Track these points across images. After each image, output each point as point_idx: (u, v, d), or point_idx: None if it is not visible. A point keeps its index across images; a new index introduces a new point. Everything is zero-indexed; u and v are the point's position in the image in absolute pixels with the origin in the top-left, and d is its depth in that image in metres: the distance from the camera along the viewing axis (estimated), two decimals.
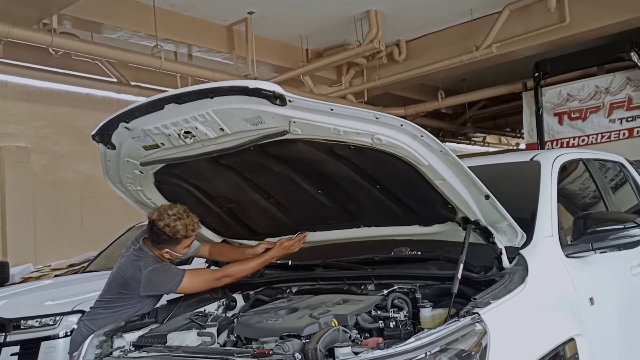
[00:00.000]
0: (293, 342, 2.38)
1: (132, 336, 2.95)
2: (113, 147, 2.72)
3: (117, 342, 2.87)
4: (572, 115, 9.91)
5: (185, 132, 2.47)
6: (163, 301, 3.32)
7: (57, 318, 4.75)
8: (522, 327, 2.34)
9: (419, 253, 3.06)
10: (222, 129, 2.40)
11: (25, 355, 4.64)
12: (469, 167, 3.71)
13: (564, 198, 3.63)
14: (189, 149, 2.58)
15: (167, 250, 3.13)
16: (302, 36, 10.13)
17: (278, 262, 3.61)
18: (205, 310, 3.28)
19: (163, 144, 2.59)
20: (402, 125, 2.21)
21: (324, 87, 11.56)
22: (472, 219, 2.64)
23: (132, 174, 2.91)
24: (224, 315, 3.28)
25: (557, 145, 9.93)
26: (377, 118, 2.21)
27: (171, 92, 2.34)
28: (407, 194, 2.68)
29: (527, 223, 2.97)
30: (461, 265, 2.53)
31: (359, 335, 2.56)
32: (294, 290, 3.27)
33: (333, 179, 2.72)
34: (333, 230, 3.17)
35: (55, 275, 7.82)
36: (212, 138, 2.47)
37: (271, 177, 2.83)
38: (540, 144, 9.98)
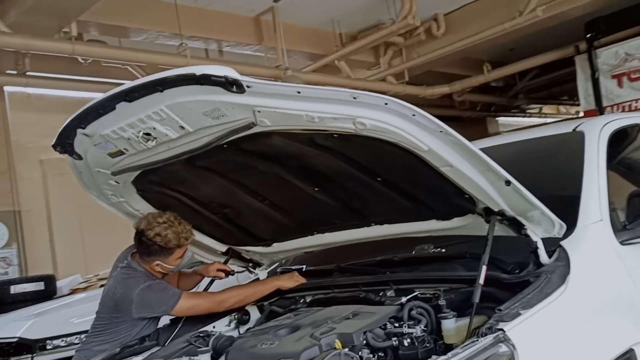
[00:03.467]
0: None
1: None
2: (79, 157, 2.43)
3: None
4: (632, 76, 9.07)
5: (144, 134, 2.14)
6: (166, 320, 3.02)
7: (83, 336, 4.55)
8: (564, 342, 1.88)
9: (443, 251, 2.64)
10: (182, 127, 2.07)
11: None
12: (501, 145, 3.34)
13: (620, 173, 3.11)
14: (154, 152, 2.26)
15: (157, 262, 2.83)
16: (334, 20, 9.70)
17: (293, 267, 3.28)
18: (214, 327, 2.97)
19: (126, 149, 2.27)
20: (386, 104, 1.79)
21: (363, 71, 11.09)
22: (496, 210, 2.19)
23: (109, 185, 2.62)
24: (235, 332, 2.97)
25: (618, 110, 9.13)
26: (355, 98, 1.80)
27: (119, 88, 2.01)
28: (413, 185, 2.26)
29: (570, 207, 2.49)
30: (484, 268, 2.09)
31: (371, 356, 2.17)
32: (307, 300, 2.92)
33: (326, 175, 2.32)
34: (342, 230, 2.78)
35: (101, 286, 7.73)
36: (174, 139, 2.14)
37: (258, 177, 2.47)
38: (600, 110, 9.21)
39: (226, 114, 1.95)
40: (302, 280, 2.94)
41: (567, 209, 2.46)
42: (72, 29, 7.23)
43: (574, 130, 3.02)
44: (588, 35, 9.22)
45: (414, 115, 1.81)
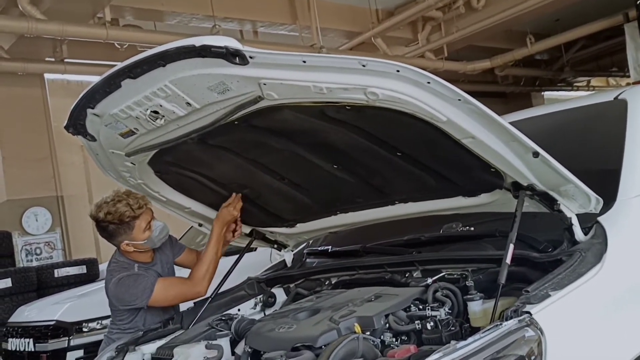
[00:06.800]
0: (303, 357, 1.92)
1: (151, 347, 2.63)
2: (93, 139, 2.37)
3: (129, 358, 2.55)
4: None
5: (152, 112, 2.07)
6: (190, 302, 2.98)
7: None
8: (597, 327, 1.73)
9: (472, 229, 2.50)
10: (188, 104, 1.98)
11: (89, 358, 4.52)
12: (537, 116, 3.15)
13: None
14: (164, 131, 2.18)
15: (126, 242, 2.77)
16: None
17: (319, 249, 3.19)
18: (238, 310, 2.92)
19: (137, 129, 2.20)
20: (398, 71, 1.66)
21: (401, 47, 10.84)
22: (525, 184, 2.04)
23: (126, 167, 2.56)
24: (260, 315, 2.91)
25: None
26: (364, 65, 1.67)
27: (122, 64, 1.93)
28: (435, 160, 2.12)
29: (610, 180, 2.32)
30: (511, 246, 1.94)
31: (394, 340, 2.07)
32: (333, 282, 2.82)
33: (343, 150, 2.21)
34: (366, 209, 2.66)
35: None
36: (182, 116, 2.06)
37: (274, 155, 2.37)
38: None
39: (231, 87, 1.86)
40: (237, 200, 2.78)
41: (606, 182, 2.29)
42: (105, 14, 7.27)
43: (615, 98, 2.82)
44: (638, 2, 8.76)
45: (428, 82, 1.67)
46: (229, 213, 2.80)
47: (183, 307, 2.96)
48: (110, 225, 2.73)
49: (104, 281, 5.93)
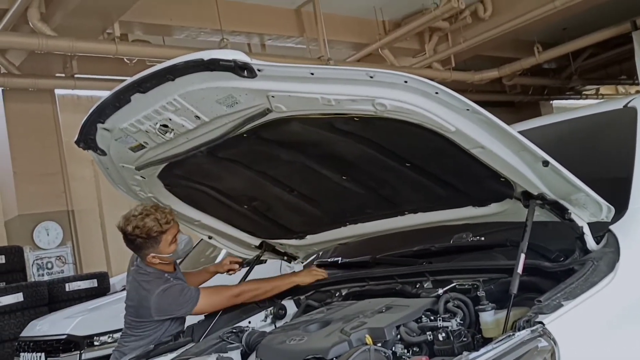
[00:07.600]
0: None
1: None
2: (103, 153, 2.40)
3: None
4: None
5: (161, 126, 2.09)
6: (200, 315, 2.97)
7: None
8: (611, 336, 1.72)
9: (482, 239, 2.49)
10: (197, 117, 2.00)
11: None
12: (546, 125, 3.14)
13: None
14: (174, 145, 2.20)
15: (152, 254, 2.75)
16: (376, 8, 9.54)
17: (329, 260, 3.19)
18: (249, 322, 2.91)
19: (147, 142, 2.23)
20: (406, 82, 1.66)
21: (408, 58, 10.87)
22: (535, 193, 2.03)
23: (136, 180, 2.58)
24: (270, 327, 2.90)
25: None
26: (371, 77, 1.68)
27: (131, 79, 1.95)
28: (444, 170, 2.12)
29: (622, 188, 2.30)
30: (522, 256, 1.93)
31: (406, 351, 2.06)
32: (343, 293, 2.82)
33: (352, 162, 2.21)
34: (375, 220, 2.66)
35: None
36: (191, 129, 2.08)
37: (284, 167, 2.38)
38: None
39: (240, 100, 1.87)
40: (321, 274, 2.89)
41: (617, 190, 2.28)
42: (115, 29, 7.34)
43: (625, 106, 2.81)
44: None
45: (436, 93, 1.68)
46: (312, 278, 2.88)
47: (192, 319, 2.96)
48: (137, 239, 2.73)
49: (114, 295, 5.94)
